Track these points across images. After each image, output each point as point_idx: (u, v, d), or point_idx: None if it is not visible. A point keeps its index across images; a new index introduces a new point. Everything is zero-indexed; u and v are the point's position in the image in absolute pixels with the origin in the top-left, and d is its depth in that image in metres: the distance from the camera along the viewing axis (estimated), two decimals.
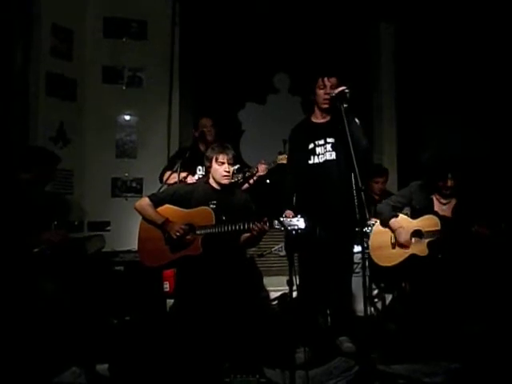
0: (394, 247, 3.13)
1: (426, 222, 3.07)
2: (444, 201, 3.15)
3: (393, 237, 3.14)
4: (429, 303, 2.96)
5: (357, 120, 2.89)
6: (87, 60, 4.28)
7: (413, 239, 3.10)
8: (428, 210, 3.13)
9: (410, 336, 2.93)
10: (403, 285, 3.41)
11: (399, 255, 3.09)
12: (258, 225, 2.61)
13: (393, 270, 3.14)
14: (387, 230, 3.18)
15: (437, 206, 3.16)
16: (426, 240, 3.04)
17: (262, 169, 3.40)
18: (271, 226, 2.59)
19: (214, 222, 2.71)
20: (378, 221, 3.27)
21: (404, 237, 3.09)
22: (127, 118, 4.40)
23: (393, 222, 3.16)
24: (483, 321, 2.87)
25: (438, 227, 3.02)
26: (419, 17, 4.73)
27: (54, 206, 3.21)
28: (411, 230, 3.10)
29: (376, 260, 3.17)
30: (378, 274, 3.48)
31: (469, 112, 4.62)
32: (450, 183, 3.05)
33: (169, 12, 4.47)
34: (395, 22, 5.03)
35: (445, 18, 4.61)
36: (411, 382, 2.40)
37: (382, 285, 3.60)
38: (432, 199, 3.17)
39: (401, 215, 3.23)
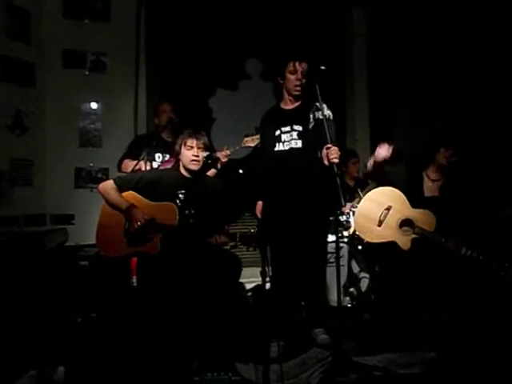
0: (379, 225, 2.93)
1: (423, 217, 2.86)
2: (435, 177, 3.04)
3: (383, 214, 2.93)
4: (400, 291, 2.89)
5: (329, 112, 2.80)
6: (46, 43, 4.04)
7: (401, 228, 2.90)
8: (417, 186, 3.01)
9: (385, 326, 2.88)
10: (376, 269, 3.33)
11: (380, 236, 2.91)
12: (218, 238, 2.60)
13: (369, 250, 3.00)
14: (380, 202, 2.95)
15: (426, 183, 3.04)
16: (413, 236, 2.84)
17: (222, 154, 3.18)
18: (232, 239, 2.60)
19: (175, 223, 2.59)
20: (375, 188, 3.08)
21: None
22: (91, 105, 4.19)
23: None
24: (457, 310, 2.82)
25: (432, 229, 2.82)
26: (392, 1, 4.64)
27: None
28: (403, 217, 2.91)
29: (356, 227, 3.02)
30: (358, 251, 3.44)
31: (442, 98, 4.60)
32: (448, 153, 2.97)
33: None
34: (368, 7, 4.94)
35: (418, 2, 4.55)
36: (387, 375, 2.35)
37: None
38: (422, 176, 3.06)
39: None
